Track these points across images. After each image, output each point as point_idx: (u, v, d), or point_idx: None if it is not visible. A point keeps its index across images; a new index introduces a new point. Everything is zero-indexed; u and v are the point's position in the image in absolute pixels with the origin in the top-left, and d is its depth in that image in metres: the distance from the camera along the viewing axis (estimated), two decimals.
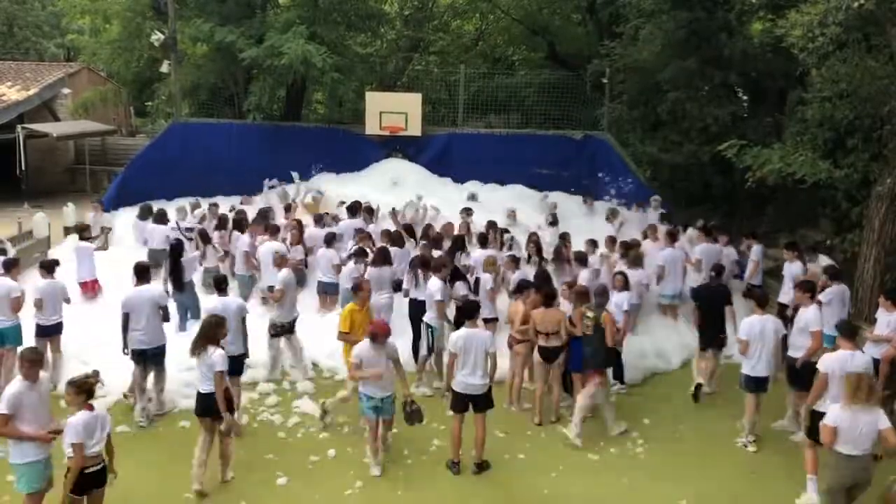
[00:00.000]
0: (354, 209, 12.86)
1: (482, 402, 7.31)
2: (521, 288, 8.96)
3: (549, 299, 8.51)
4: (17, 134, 18.43)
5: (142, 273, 8.34)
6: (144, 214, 13.15)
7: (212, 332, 6.85)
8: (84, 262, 11.13)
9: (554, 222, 13.09)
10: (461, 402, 7.31)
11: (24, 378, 5.81)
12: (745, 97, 16.18)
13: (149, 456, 7.49)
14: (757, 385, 7.94)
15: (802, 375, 7.73)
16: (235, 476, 7.16)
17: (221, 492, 6.95)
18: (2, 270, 8.95)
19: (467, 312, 7.51)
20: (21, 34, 32.10)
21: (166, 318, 8.39)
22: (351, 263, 10.30)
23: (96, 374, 5.87)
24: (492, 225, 12.18)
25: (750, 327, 7.88)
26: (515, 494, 7.09)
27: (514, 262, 10.46)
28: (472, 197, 14.65)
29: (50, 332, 9.01)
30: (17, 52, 30.86)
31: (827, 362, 6.70)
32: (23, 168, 18.31)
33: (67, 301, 9.21)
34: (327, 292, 10.97)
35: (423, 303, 9.39)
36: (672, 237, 11.31)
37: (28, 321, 8.97)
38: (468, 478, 7.30)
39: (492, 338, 7.43)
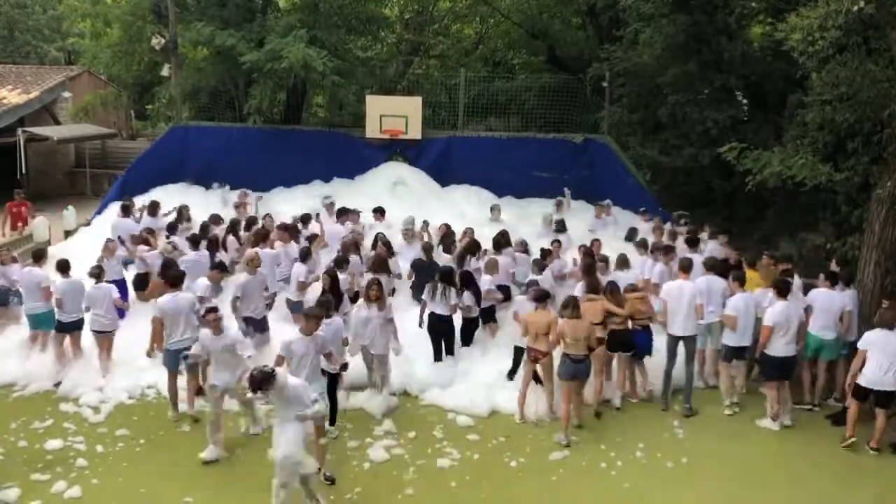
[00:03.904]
0: (306, 220, 12.54)
1: None
2: (540, 297, 8.50)
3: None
4: (18, 137, 18.46)
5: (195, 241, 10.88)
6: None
7: None
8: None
9: (560, 229, 12.72)
10: None
11: None
12: (745, 100, 16.17)
13: (149, 459, 7.50)
14: (736, 355, 8.89)
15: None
16: (235, 481, 7.15)
17: (222, 497, 6.95)
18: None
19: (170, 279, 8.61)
20: (22, 38, 32.21)
21: None
22: (343, 275, 9.72)
23: None
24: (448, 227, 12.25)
25: (734, 304, 8.77)
26: (515, 497, 7.08)
27: (535, 265, 10.35)
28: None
29: (69, 329, 9.24)
30: (18, 55, 30.95)
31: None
32: (23, 171, 18.31)
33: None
34: (294, 311, 9.87)
35: (441, 316, 9.37)
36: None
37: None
38: (468, 482, 7.31)
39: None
